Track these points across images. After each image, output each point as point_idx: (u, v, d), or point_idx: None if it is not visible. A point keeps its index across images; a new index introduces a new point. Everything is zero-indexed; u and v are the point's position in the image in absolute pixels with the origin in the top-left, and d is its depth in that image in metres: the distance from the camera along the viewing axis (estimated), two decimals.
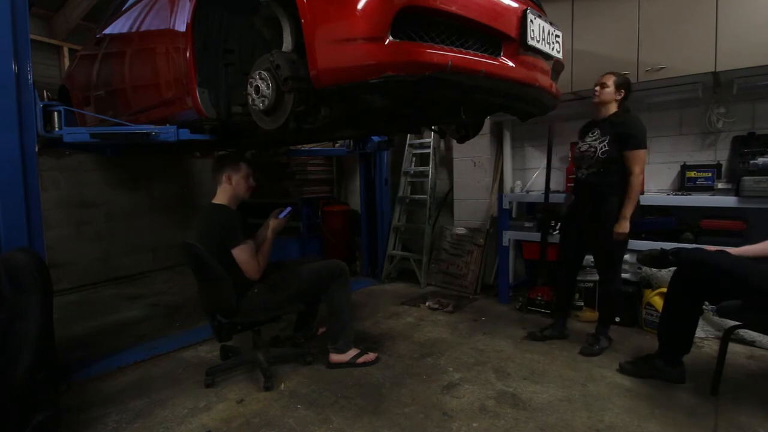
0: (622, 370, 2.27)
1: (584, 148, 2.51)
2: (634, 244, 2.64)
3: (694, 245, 2.33)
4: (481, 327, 3.01)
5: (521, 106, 2.11)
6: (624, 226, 2.35)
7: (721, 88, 2.83)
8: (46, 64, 4.46)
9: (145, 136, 2.28)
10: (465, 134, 2.85)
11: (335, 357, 2.40)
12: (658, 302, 2.73)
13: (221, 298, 2.11)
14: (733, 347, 2.48)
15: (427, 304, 3.51)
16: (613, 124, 2.42)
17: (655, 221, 2.87)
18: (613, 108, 2.47)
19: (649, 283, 2.92)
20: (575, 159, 2.58)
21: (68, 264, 4.25)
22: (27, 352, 1.60)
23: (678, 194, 2.86)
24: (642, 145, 2.34)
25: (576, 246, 2.63)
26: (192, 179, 5.40)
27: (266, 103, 1.64)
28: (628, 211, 2.34)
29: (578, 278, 3.19)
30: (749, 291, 1.84)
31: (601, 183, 2.43)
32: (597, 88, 2.48)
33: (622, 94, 2.45)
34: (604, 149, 2.40)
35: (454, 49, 1.47)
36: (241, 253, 2.15)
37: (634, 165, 2.32)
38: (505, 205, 3.45)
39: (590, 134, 2.54)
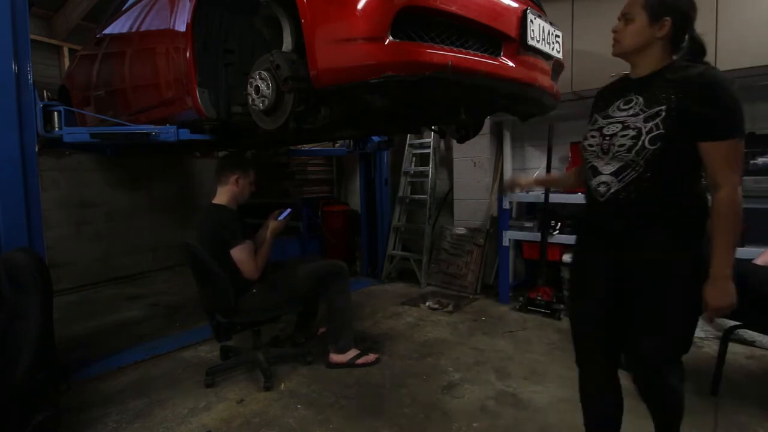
0: (622, 367, 2.26)
1: (612, 130, 1.28)
2: None
3: None
4: (481, 327, 3.01)
5: (521, 106, 2.11)
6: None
7: None
8: (46, 64, 4.46)
9: (145, 136, 2.29)
10: (465, 134, 2.84)
11: (335, 357, 2.40)
12: None
13: (220, 298, 2.11)
14: (733, 347, 2.48)
15: (427, 304, 3.51)
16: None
17: None
18: (656, 58, 1.30)
19: None
20: (590, 153, 1.34)
21: (68, 264, 4.25)
22: (27, 352, 1.60)
23: None
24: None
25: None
26: (192, 179, 5.40)
27: (266, 103, 1.64)
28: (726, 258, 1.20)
29: None
30: (750, 292, 1.84)
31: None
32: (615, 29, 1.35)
33: (666, 29, 1.26)
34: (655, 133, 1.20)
35: (454, 49, 1.47)
36: (240, 253, 2.15)
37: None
38: (505, 205, 3.45)
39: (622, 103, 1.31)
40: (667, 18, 1.25)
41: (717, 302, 1.18)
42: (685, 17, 1.28)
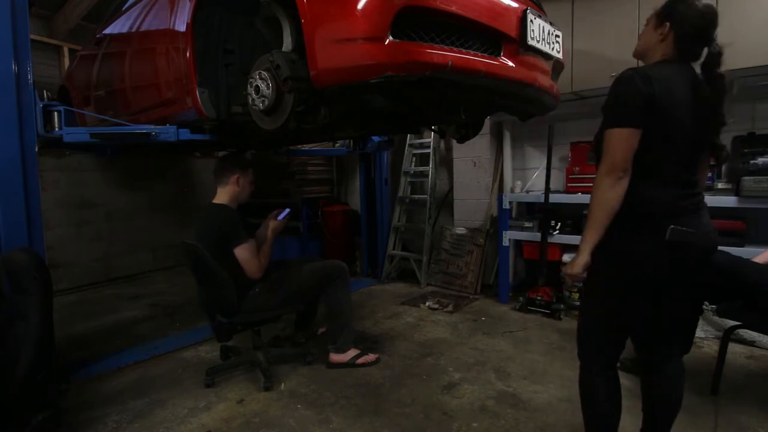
0: (622, 366, 2.26)
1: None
2: None
3: None
4: (481, 327, 3.01)
5: (521, 106, 2.10)
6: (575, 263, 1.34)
7: None
8: (46, 64, 4.46)
9: (145, 136, 2.29)
10: (465, 134, 2.84)
11: (335, 357, 2.40)
12: None
13: (221, 298, 2.11)
14: (733, 347, 2.48)
15: (427, 304, 3.51)
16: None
17: None
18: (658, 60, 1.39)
19: None
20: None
21: (68, 264, 4.25)
22: (27, 352, 1.60)
23: None
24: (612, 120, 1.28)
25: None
26: (192, 179, 5.40)
27: (266, 103, 1.64)
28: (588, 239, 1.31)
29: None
30: (748, 289, 1.85)
31: None
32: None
33: (665, 32, 1.34)
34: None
35: (454, 48, 1.47)
36: (243, 252, 2.15)
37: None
38: (505, 205, 3.45)
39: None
40: (667, 22, 1.34)
41: (568, 269, 1.35)
42: (686, 23, 1.31)
